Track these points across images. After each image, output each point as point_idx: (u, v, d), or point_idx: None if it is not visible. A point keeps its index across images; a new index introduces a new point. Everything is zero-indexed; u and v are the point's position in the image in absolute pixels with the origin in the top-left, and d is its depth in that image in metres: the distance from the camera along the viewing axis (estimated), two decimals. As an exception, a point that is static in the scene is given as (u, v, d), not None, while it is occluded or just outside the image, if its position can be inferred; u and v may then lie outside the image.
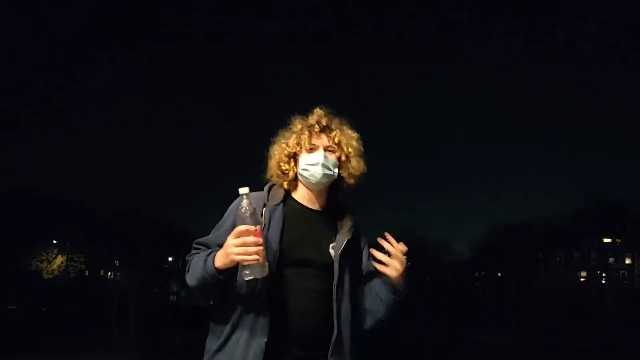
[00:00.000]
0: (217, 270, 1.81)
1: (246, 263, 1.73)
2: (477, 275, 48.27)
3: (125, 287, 23.88)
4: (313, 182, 1.99)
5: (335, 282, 1.92)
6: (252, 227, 1.74)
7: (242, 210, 1.75)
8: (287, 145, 2.03)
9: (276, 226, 1.94)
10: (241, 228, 1.74)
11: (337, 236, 2.00)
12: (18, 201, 41.57)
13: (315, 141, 2.02)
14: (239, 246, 1.73)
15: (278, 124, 2.09)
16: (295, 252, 1.92)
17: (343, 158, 2.03)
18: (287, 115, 2.10)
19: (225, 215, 2.05)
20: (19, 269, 40.45)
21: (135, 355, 12.47)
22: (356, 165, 2.04)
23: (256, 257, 1.72)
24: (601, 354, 15.65)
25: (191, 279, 1.91)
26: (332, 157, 2.01)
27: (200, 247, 2.00)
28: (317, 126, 2.02)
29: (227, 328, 1.89)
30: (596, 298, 34.96)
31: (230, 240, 1.75)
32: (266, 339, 1.80)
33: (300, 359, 1.86)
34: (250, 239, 1.73)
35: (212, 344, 1.93)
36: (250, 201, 1.77)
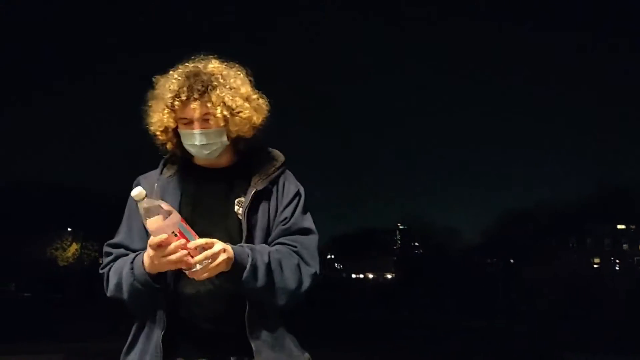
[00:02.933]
0: (150, 275, 1.55)
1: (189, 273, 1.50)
2: (488, 262, 48.15)
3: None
4: (201, 159, 1.73)
5: (243, 241, 1.63)
6: (166, 234, 1.46)
7: (146, 221, 1.47)
8: (155, 118, 1.69)
9: (170, 201, 1.64)
10: (155, 240, 1.46)
11: (249, 191, 1.69)
12: (33, 190, 42.03)
13: (185, 112, 1.65)
14: (165, 257, 1.47)
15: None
16: (194, 227, 1.57)
17: (221, 123, 1.65)
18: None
19: (127, 214, 1.80)
20: (34, 257, 40.98)
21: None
22: (240, 120, 1.67)
23: (189, 259, 1.47)
24: (614, 341, 15.60)
25: (116, 291, 1.66)
26: (211, 126, 1.66)
27: (116, 249, 1.76)
28: (177, 101, 1.63)
29: (134, 326, 1.70)
30: (610, 284, 34.74)
31: (152, 254, 1.49)
32: (163, 330, 1.59)
33: (207, 339, 1.62)
34: (175, 243, 1.47)
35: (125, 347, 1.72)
36: (147, 203, 1.47)
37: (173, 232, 1.47)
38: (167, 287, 1.61)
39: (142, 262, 1.56)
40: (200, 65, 1.69)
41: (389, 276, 72.81)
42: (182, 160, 1.78)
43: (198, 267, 1.48)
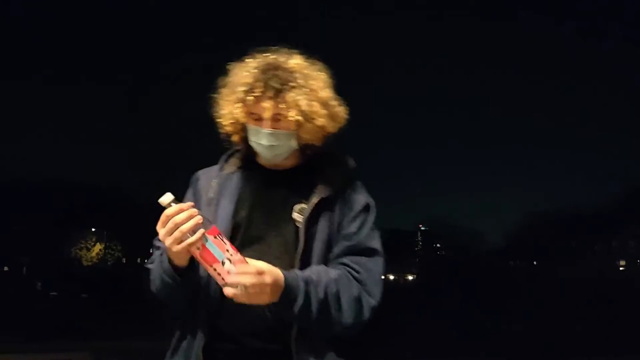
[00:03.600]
0: (175, 267, 1.42)
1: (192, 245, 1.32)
2: (511, 264, 47.68)
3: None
4: (265, 160, 1.58)
5: (298, 256, 1.45)
6: (182, 205, 1.33)
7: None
8: (226, 110, 1.56)
9: (228, 199, 1.55)
10: (167, 212, 1.33)
11: (311, 197, 1.51)
12: (58, 191, 42.68)
13: (257, 108, 1.49)
14: (173, 230, 1.32)
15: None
16: (250, 229, 1.50)
17: (293, 127, 1.50)
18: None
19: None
20: (60, 256, 41.62)
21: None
22: (321, 125, 1.52)
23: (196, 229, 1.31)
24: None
25: (153, 285, 1.57)
26: (283, 127, 1.50)
27: (162, 244, 1.49)
28: (257, 90, 1.48)
29: (177, 331, 1.60)
30: (636, 287, 34.12)
31: (160, 231, 1.35)
32: (204, 341, 1.48)
33: (248, 356, 1.46)
34: (181, 216, 1.32)
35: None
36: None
37: (196, 247, 1.30)
38: (210, 297, 1.48)
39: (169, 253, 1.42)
40: (282, 60, 1.53)
41: (410, 277, 72.44)
42: (244, 157, 1.64)
43: (238, 289, 1.28)
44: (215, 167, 1.66)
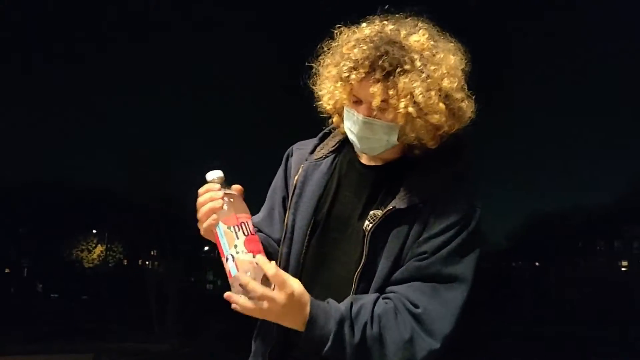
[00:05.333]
0: None
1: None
2: (513, 265, 47.55)
3: (163, 276, 24.27)
4: (357, 151, 1.34)
5: (360, 267, 1.22)
6: (210, 186, 1.20)
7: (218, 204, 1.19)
8: (325, 89, 1.33)
9: (311, 193, 1.34)
10: (200, 190, 1.22)
11: (389, 204, 1.24)
12: (58, 192, 42.68)
13: (360, 90, 1.24)
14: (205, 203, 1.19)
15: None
16: (324, 231, 1.31)
17: (400, 120, 1.22)
18: None
19: (270, 192, 1.50)
20: (60, 258, 41.62)
21: (174, 342, 12.68)
22: (435, 123, 1.22)
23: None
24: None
25: None
26: (383, 117, 1.23)
27: None
28: (362, 68, 1.21)
29: (255, 330, 1.43)
30: (638, 287, 34.03)
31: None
32: (270, 348, 1.32)
33: None
34: (204, 197, 1.20)
35: None
36: (225, 190, 1.20)
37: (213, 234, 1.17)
38: None
39: None
40: (402, 33, 1.24)
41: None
42: (340, 140, 1.40)
43: (240, 297, 1.11)
44: (309, 145, 1.44)
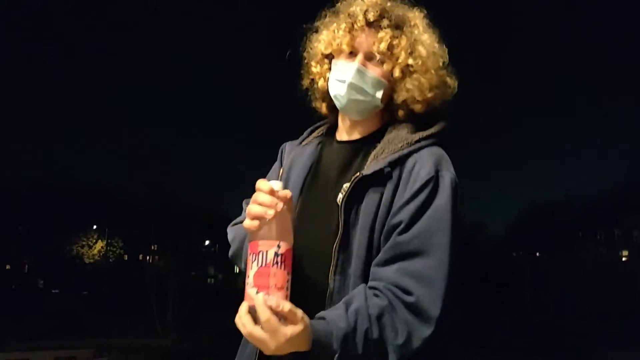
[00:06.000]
0: None
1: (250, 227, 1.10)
2: (514, 255, 47.67)
3: (163, 271, 24.31)
4: (339, 106, 1.33)
5: (337, 239, 1.19)
6: (279, 187, 1.12)
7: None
8: (321, 40, 1.35)
9: (296, 175, 1.36)
10: (261, 186, 1.12)
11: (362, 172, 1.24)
12: (59, 189, 42.72)
13: (356, 40, 1.28)
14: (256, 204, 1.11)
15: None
16: (303, 210, 1.31)
17: (397, 74, 1.27)
18: None
19: (269, 175, 1.49)
20: (61, 254, 41.69)
21: (174, 337, 12.69)
22: (420, 84, 1.27)
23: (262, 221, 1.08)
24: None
25: (234, 257, 1.41)
26: (375, 72, 1.27)
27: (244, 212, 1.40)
28: (361, 19, 1.27)
29: None
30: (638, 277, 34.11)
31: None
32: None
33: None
34: (265, 197, 1.10)
35: None
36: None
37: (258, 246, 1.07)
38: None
39: None
40: (399, 6, 1.31)
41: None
42: (326, 129, 1.44)
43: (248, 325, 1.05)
44: (300, 139, 1.48)
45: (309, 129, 1.48)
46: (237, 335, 1.43)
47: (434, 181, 1.19)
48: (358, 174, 1.21)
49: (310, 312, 1.12)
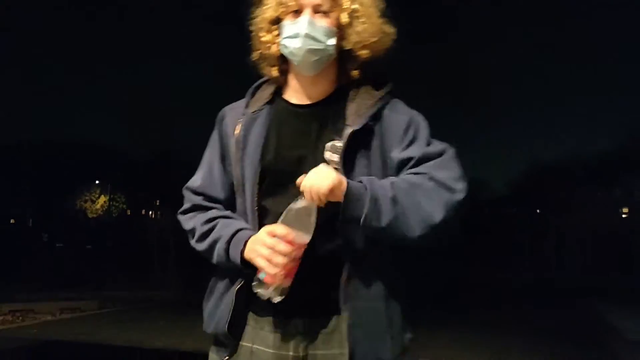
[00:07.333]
0: (243, 261, 1.34)
1: (264, 278, 1.28)
2: (514, 211, 47.88)
3: (166, 225, 24.50)
4: (296, 62, 1.38)
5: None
6: (291, 235, 1.25)
7: (293, 209, 1.27)
8: (266, 7, 1.42)
9: (254, 144, 1.40)
10: (279, 230, 1.26)
11: (344, 131, 1.34)
12: (62, 145, 42.75)
13: None
14: (268, 248, 1.25)
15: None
16: (277, 175, 1.38)
17: (344, 19, 1.37)
18: None
19: (208, 154, 1.54)
20: (65, 209, 42.02)
21: (177, 290, 12.88)
22: (367, 27, 1.38)
23: (280, 272, 1.25)
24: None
25: (205, 253, 1.48)
26: (324, 22, 1.36)
27: (195, 195, 1.51)
28: None
29: (215, 275, 1.53)
30: (638, 234, 34.32)
31: (264, 237, 1.28)
32: (239, 285, 1.40)
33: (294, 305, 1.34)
34: (282, 247, 1.25)
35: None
36: (304, 204, 1.26)
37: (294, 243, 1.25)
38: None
39: (243, 248, 1.34)
40: None
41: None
42: (273, 92, 1.49)
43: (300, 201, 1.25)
44: (241, 104, 1.51)
45: (250, 91, 1.52)
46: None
47: (415, 122, 1.40)
48: (351, 130, 1.33)
49: (323, 269, 1.33)
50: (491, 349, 6.74)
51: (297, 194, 1.27)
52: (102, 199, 46.34)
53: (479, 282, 19.66)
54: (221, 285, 1.47)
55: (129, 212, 45.62)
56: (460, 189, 1.32)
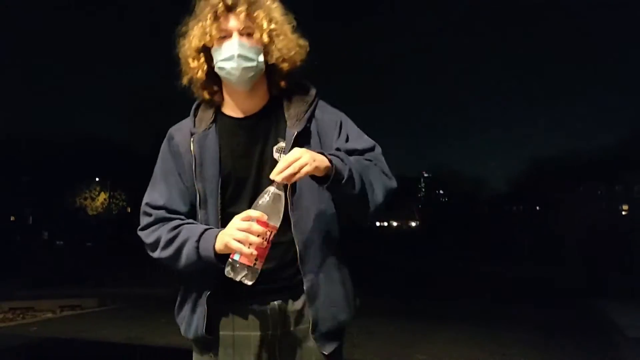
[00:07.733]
0: (217, 255, 1.44)
1: (239, 259, 1.36)
2: (514, 209, 47.97)
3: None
4: (234, 81, 1.53)
5: (288, 195, 1.47)
6: (265, 216, 1.36)
7: (265, 197, 1.38)
8: (192, 37, 1.55)
9: (210, 159, 1.55)
10: (254, 213, 1.36)
11: (287, 133, 1.54)
12: (62, 141, 42.74)
13: (225, 25, 1.52)
14: (242, 231, 1.36)
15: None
16: (238, 184, 1.54)
17: (266, 39, 1.53)
18: None
19: (162, 169, 1.65)
20: (65, 206, 42.04)
21: (176, 287, 12.88)
22: (285, 43, 1.56)
23: (254, 252, 1.34)
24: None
25: (170, 260, 1.54)
26: (251, 42, 1.52)
27: (157, 210, 1.61)
28: (221, 5, 1.51)
29: (182, 285, 1.65)
30: (638, 231, 34.35)
31: (236, 222, 1.39)
32: (209, 293, 1.52)
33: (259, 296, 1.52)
34: (257, 227, 1.35)
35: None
36: (279, 190, 1.38)
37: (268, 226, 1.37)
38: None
39: (214, 242, 1.44)
40: None
41: (413, 224, 73.09)
42: (214, 110, 1.63)
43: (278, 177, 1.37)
44: (187, 124, 1.64)
45: (192, 112, 1.65)
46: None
47: (344, 119, 1.63)
48: (294, 133, 1.52)
49: (281, 249, 1.52)
50: (491, 347, 6.75)
51: (256, 197, 1.41)
52: (102, 196, 46.38)
53: (479, 279, 19.68)
54: (192, 291, 1.59)
55: (129, 210, 45.67)
56: (394, 178, 1.60)
